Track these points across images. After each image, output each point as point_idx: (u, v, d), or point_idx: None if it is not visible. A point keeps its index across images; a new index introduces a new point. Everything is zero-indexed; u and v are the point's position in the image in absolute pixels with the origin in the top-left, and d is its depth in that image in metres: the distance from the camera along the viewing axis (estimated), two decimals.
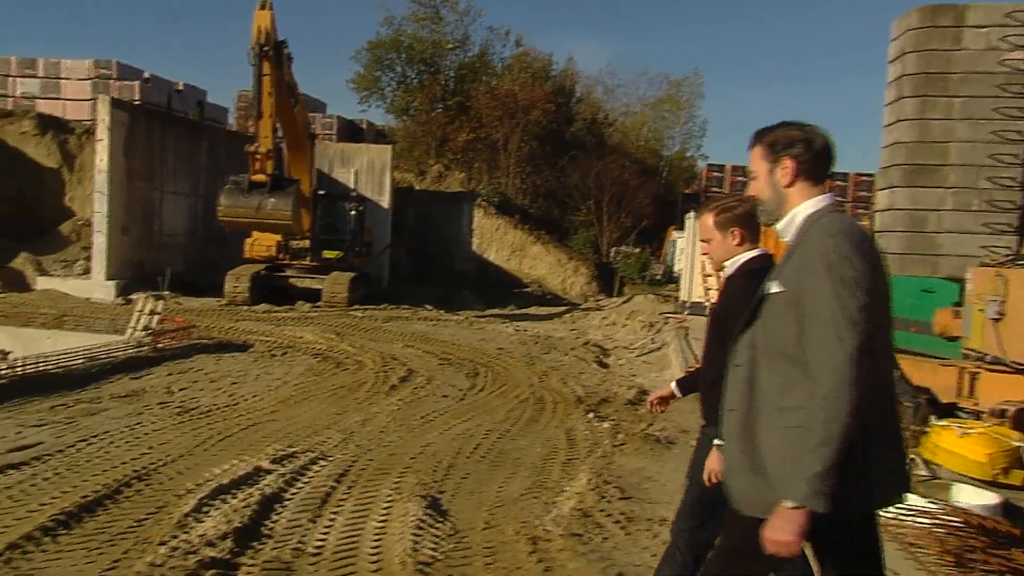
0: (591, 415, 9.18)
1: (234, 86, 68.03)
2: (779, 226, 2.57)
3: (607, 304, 25.55)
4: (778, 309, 2.42)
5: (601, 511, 5.48)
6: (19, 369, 9.44)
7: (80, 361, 10.43)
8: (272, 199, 18.29)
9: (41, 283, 20.29)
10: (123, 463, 6.42)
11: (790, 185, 2.51)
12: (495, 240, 29.47)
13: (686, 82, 45.41)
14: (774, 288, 2.44)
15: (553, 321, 21.14)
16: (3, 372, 9.23)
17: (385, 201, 26.55)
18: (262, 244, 20.71)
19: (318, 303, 19.96)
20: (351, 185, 26.21)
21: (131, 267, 20.91)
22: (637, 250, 32.30)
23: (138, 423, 7.78)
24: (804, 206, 2.49)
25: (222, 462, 6.54)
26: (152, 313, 12.16)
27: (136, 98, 26.75)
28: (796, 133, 2.53)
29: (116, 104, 21.02)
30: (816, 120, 2.56)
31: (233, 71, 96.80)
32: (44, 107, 27.30)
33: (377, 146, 29.69)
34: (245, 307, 19.12)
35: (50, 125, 23.67)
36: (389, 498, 5.87)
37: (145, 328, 12.02)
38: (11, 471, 6.07)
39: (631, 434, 7.84)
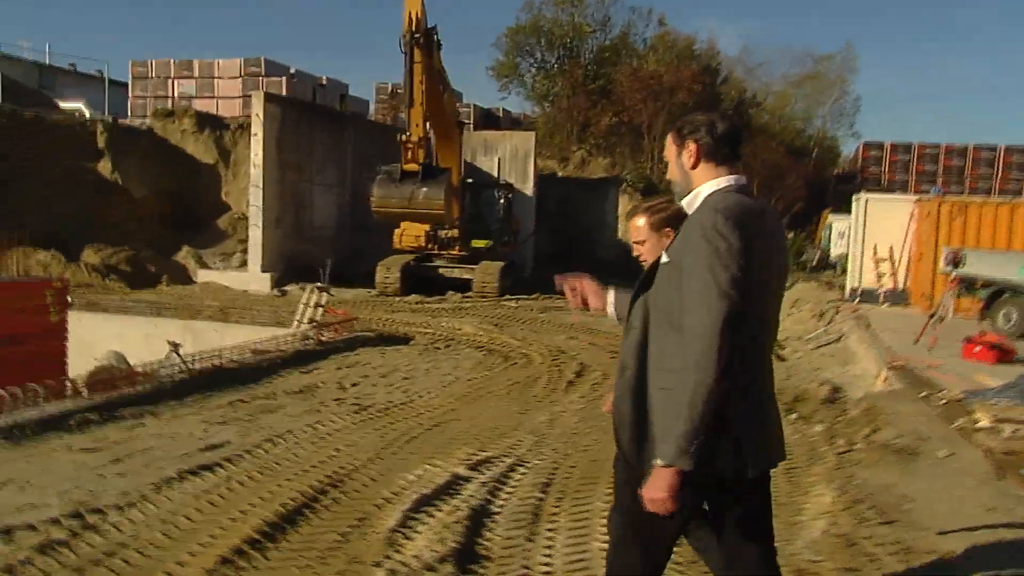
0: (793, 416, 8.29)
1: (374, 78, 69.35)
2: (685, 204, 2.71)
3: None
4: (665, 277, 2.56)
5: (866, 538, 4.66)
6: (195, 365, 9.34)
7: (250, 355, 10.31)
8: (424, 188, 18.03)
9: (202, 276, 20.81)
10: (313, 467, 6.04)
11: (694, 167, 2.67)
12: None
13: (836, 57, 42.93)
14: (664, 258, 2.59)
15: None
16: (182, 368, 9.15)
17: (529, 188, 26.05)
18: (411, 234, 20.55)
19: (468, 293, 19.65)
20: (494, 173, 25.84)
21: (284, 259, 21.17)
22: (790, 235, 30.59)
23: (318, 422, 7.45)
24: (706, 185, 2.64)
25: (414, 467, 6.07)
26: (317, 306, 11.99)
27: (283, 93, 27.22)
28: (701, 118, 2.70)
29: (269, 98, 21.32)
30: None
31: (373, 64, 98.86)
32: (200, 106, 28.18)
33: (520, 133, 29.24)
34: (396, 298, 19.01)
35: (207, 122, 24.32)
36: (604, 513, 5.23)
37: (311, 321, 11.87)
38: (206, 473, 5.78)
39: (858, 441, 6.93)
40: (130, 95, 31.19)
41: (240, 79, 30.50)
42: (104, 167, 21.90)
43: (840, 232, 31.86)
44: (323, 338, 11.67)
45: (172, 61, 31.63)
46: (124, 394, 8.00)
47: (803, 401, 9.20)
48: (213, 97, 30.40)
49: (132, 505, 5.11)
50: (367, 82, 70.52)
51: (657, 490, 2.42)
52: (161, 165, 22.97)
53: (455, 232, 20.86)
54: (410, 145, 17.97)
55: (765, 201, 3.00)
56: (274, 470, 5.94)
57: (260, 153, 20.67)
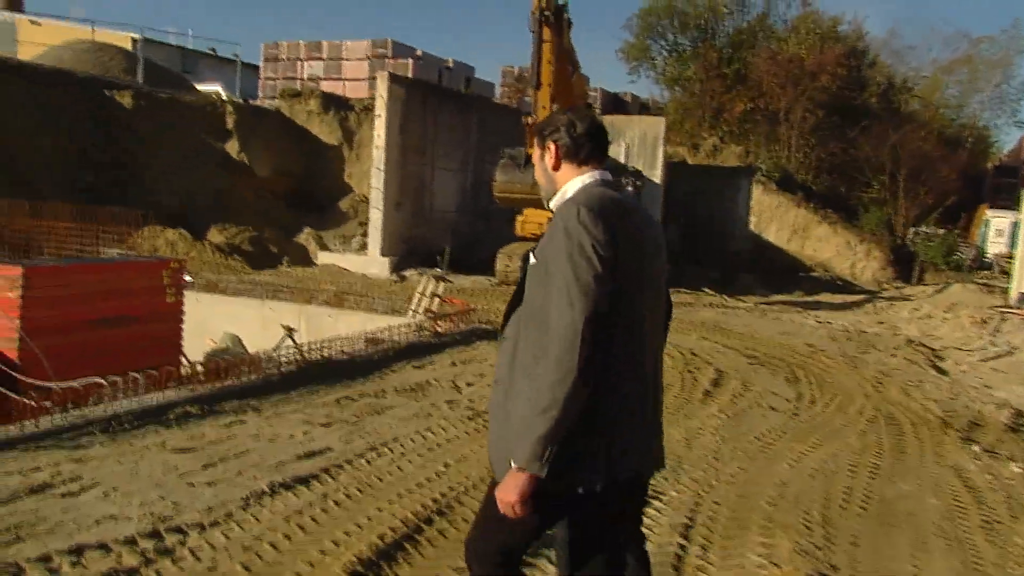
0: (975, 447, 7.09)
1: (501, 62, 69.05)
2: (552, 204, 2.62)
3: (913, 293, 22.33)
4: (533, 279, 2.44)
5: None
6: (307, 355, 8.86)
7: (362, 346, 9.78)
8: None
9: (322, 258, 20.70)
10: (419, 485, 5.34)
11: (556, 167, 2.62)
12: (775, 219, 26.89)
13: (999, 38, 39.54)
14: (532, 259, 2.48)
15: (854, 311, 18.51)
16: (293, 356, 8.68)
17: (657, 176, 24.88)
18: (534, 221, 19.81)
19: None
20: (621, 159, 24.78)
21: (403, 243, 20.83)
22: (941, 231, 28.29)
23: (428, 429, 6.76)
24: (571, 183, 2.58)
25: None
26: (434, 295, 11.38)
27: (409, 75, 26.94)
28: (561, 118, 2.64)
29: (394, 79, 20.97)
30: None
31: (499, 48, 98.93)
32: (327, 87, 28.27)
33: (649, 118, 28.06)
34: (515, 287, 18.32)
35: (332, 103, 24.26)
36: (762, 568, 4.32)
37: (427, 311, 11.27)
38: (301, 487, 5.16)
39: None
40: (261, 77, 31.69)
41: (367, 61, 30.52)
42: (232, 147, 22.08)
43: (999, 229, 29.32)
44: (439, 329, 11.05)
45: (302, 43, 31.97)
46: (228, 386, 7.54)
47: (982, 428, 7.99)
48: (340, 79, 30.53)
49: (216, 524, 4.52)
50: (493, 65, 70.28)
51: (508, 492, 2.31)
52: (286, 145, 23.04)
53: None
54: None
55: (633, 196, 2.68)
56: (375, 488, 5.27)
57: (383, 135, 20.35)
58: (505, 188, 17.59)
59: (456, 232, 23.45)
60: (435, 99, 23.09)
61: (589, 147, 2.61)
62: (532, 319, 2.41)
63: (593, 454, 2.36)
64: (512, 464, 2.31)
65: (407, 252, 20.63)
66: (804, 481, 5.89)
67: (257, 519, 4.63)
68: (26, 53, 31.80)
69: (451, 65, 33.59)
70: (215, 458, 5.67)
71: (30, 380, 7.03)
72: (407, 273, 19.54)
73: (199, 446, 5.95)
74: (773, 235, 27.00)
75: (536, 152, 2.71)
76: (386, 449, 6.09)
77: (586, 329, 2.23)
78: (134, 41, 38.22)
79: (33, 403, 6.49)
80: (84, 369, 9.17)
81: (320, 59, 31.39)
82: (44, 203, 16.48)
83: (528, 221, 20.01)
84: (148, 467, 5.43)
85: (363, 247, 21.08)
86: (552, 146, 2.62)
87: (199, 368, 8.05)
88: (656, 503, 5.22)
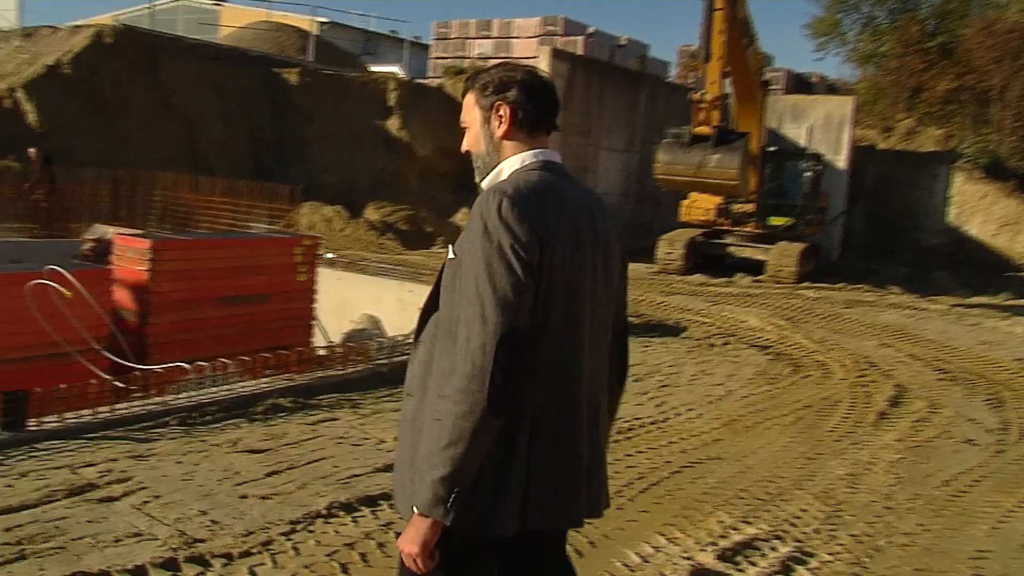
0: None
1: (679, 41, 66.81)
2: (484, 183, 2.13)
3: None
4: (448, 279, 2.00)
5: None
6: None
7: None
8: (716, 155, 15.77)
9: None
10: None
11: (506, 136, 2.10)
12: (979, 211, 23.91)
13: None
14: (450, 253, 2.03)
15: None
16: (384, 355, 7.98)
17: (841, 161, 22.73)
18: (700, 207, 18.46)
19: (760, 277, 17.24)
20: (802, 142, 22.79)
21: None
22: None
23: None
24: (511, 161, 2.09)
25: (642, 536, 4.27)
26: None
27: (579, 53, 25.94)
28: (512, 74, 2.13)
29: (556, 55, 20.07)
30: None
31: (677, 25, 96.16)
32: None
33: (836, 97, 25.76)
34: (677, 276, 17.08)
35: None
36: None
37: None
38: (363, 510, 4.37)
39: None
40: (431, 56, 31.69)
41: (537, 39, 29.82)
42: (393, 125, 21.93)
43: None
44: None
45: (472, 21, 31.69)
46: (328, 376, 6.90)
47: None
48: (509, 57, 29.95)
49: (247, 555, 3.79)
50: (671, 44, 68.04)
51: (410, 542, 1.92)
52: (447, 123, 22.63)
53: (750, 206, 18.47)
54: (703, 105, 15.76)
55: (579, 183, 2.17)
56: None
57: None
58: (667, 170, 16.28)
59: (620, 217, 22.34)
60: (601, 77, 22.00)
61: (548, 115, 2.14)
62: (445, 327, 1.99)
63: (510, 498, 1.94)
64: (415, 508, 1.92)
65: None
66: (1011, 555, 4.49)
67: (297, 551, 3.86)
68: (223, 37, 33.32)
69: (624, 43, 32.32)
70: (284, 464, 4.98)
71: (118, 360, 6.64)
72: None
73: (273, 447, 5.29)
74: (976, 228, 24.04)
75: (476, 113, 2.14)
76: None
77: (500, 351, 1.83)
78: (320, 24, 39.43)
79: (120, 384, 6.08)
80: (211, 347, 8.91)
81: (489, 37, 30.99)
82: (207, 178, 16.80)
83: (695, 206, 18.70)
84: (206, 471, 4.81)
85: None
86: (505, 109, 2.09)
87: (336, 349, 7.46)
88: (801, 567, 4.06)
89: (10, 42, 19.95)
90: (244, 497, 4.45)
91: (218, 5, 40.77)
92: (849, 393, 7.94)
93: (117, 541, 3.84)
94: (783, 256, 17.13)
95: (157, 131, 19.34)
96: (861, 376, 8.70)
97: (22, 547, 3.74)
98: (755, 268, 17.55)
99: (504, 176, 2.09)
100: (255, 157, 20.34)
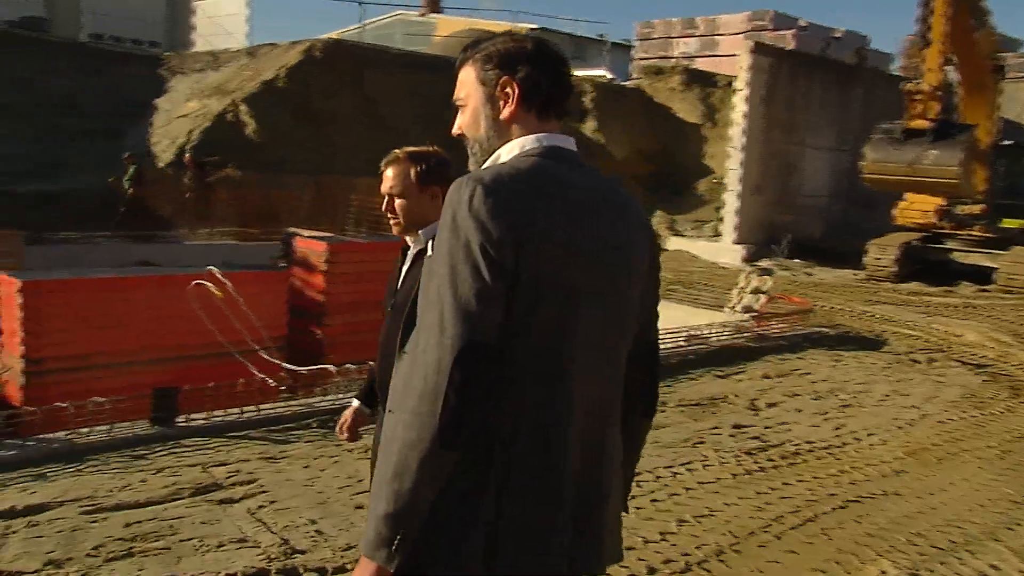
0: None
1: (904, 32, 62.14)
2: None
3: None
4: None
5: None
6: None
7: (662, 347, 8.46)
8: (934, 151, 14.28)
9: (672, 243, 19.50)
10: (631, 547, 3.98)
11: (511, 118, 1.77)
12: None
13: None
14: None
15: None
16: None
17: None
18: (917, 208, 16.79)
19: (988, 286, 15.43)
20: None
21: (762, 230, 18.87)
22: None
23: (687, 462, 5.34)
24: (510, 146, 1.76)
25: None
26: (757, 292, 9.68)
27: (789, 47, 24.58)
28: (520, 45, 1.78)
29: (758, 49, 19.01)
30: None
31: (903, 15, 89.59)
32: (700, 65, 26.90)
33: None
34: (888, 284, 15.63)
35: (696, 79, 22.88)
36: None
37: (747, 309, 9.61)
38: None
39: None
40: (633, 57, 31.25)
41: (744, 35, 28.62)
42: (588, 127, 21.70)
43: None
44: (762, 331, 9.35)
45: (678, 20, 30.95)
46: None
47: None
48: (714, 55, 29.02)
49: (340, 571, 3.63)
50: (894, 35, 63.40)
51: None
52: (645, 125, 22.17)
53: (979, 207, 16.59)
54: (919, 96, 14.32)
55: (597, 174, 1.80)
56: None
57: (744, 110, 18.54)
58: (876, 168, 14.94)
59: (828, 218, 20.88)
60: (808, 71, 20.64)
61: (560, 96, 1.81)
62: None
63: (472, 545, 1.62)
64: (361, 550, 1.65)
65: (766, 240, 18.66)
66: None
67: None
68: (437, 47, 34.55)
69: (840, 35, 30.40)
70: None
71: (275, 361, 6.80)
72: (764, 263, 17.63)
73: None
74: None
75: (477, 90, 1.80)
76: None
77: (456, 369, 1.54)
78: (529, 31, 40.00)
79: (272, 384, 6.20)
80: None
81: (694, 36, 30.13)
82: None
83: (911, 207, 17.05)
84: (330, 477, 4.74)
85: (716, 233, 19.51)
86: (514, 86, 1.76)
87: None
88: None
89: (237, 60, 21.61)
90: (359, 507, 4.32)
91: (429, 17, 42.42)
92: None
93: (220, 546, 3.81)
94: (1017, 263, 15.22)
95: (362, 139, 20.19)
96: None
97: (132, 544, 3.79)
98: (982, 276, 15.73)
99: (501, 162, 1.77)
100: (454, 161, 20.82)
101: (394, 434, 1.61)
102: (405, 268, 2.64)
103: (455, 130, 1.88)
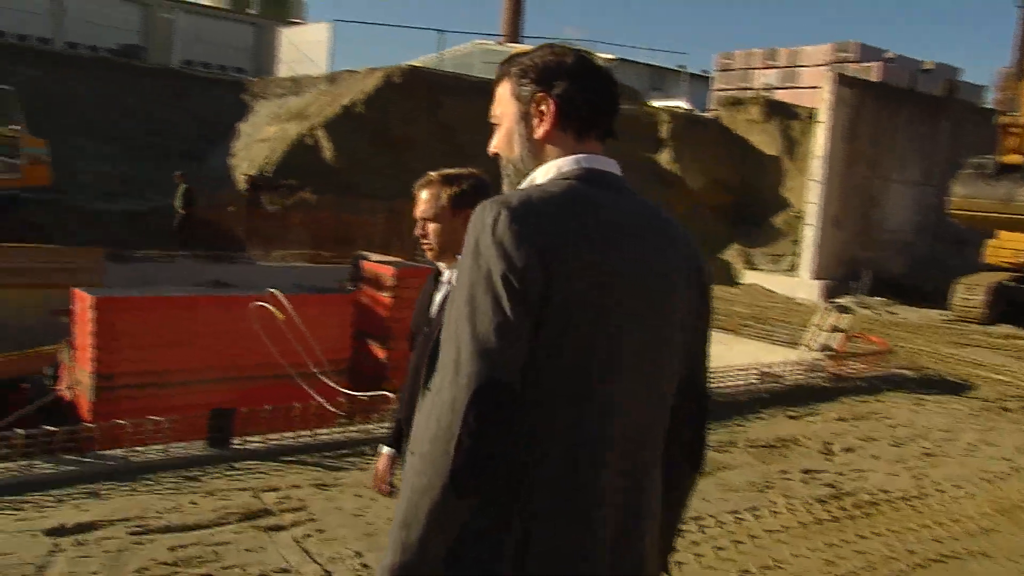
0: None
1: (999, 63, 60.27)
2: None
3: None
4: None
5: None
6: None
7: (730, 383, 8.18)
8: None
9: (747, 277, 19.07)
10: None
11: (548, 137, 1.63)
12: None
13: None
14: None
15: None
16: None
17: None
18: (1010, 247, 16.02)
19: None
20: None
21: (841, 266, 18.30)
22: None
23: (754, 508, 5.07)
24: (545, 168, 1.62)
25: None
26: (834, 329, 9.30)
27: (875, 79, 23.99)
28: (564, 59, 1.65)
29: (841, 81, 18.56)
30: None
31: (997, 48, 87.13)
32: (781, 97, 26.46)
33: None
34: (977, 326, 14.92)
35: (776, 111, 22.43)
36: None
37: (823, 348, 9.23)
38: None
39: None
40: (712, 88, 30.91)
41: (827, 67, 28.07)
42: (664, 158, 21.46)
43: None
44: (839, 371, 8.96)
45: (758, 51, 30.56)
46: None
47: None
48: (796, 87, 28.52)
49: None
50: (988, 68, 61.47)
51: None
52: (722, 156, 21.81)
53: None
54: (1015, 130, 13.75)
55: (644, 202, 1.65)
56: None
57: (825, 144, 18.08)
58: (966, 204, 14.35)
59: (913, 255, 20.13)
60: (894, 103, 20.04)
61: (604, 115, 1.66)
62: None
63: None
64: None
65: (846, 276, 18.08)
66: None
67: None
68: None
69: (930, 67, 29.55)
70: None
71: (334, 385, 6.74)
72: (843, 300, 17.06)
73: None
74: None
75: (511, 106, 1.67)
76: (693, 531, 4.57)
77: (472, 410, 1.41)
78: (608, 61, 40.06)
79: (330, 408, 6.15)
80: None
81: (775, 67, 29.68)
82: None
83: (1003, 246, 16.28)
84: (381, 507, 4.61)
85: (793, 268, 18.99)
86: (548, 103, 1.63)
87: None
88: None
89: (317, 86, 22.07)
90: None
91: (508, 46, 42.78)
92: None
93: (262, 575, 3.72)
94: None
95: (439, 166, 20.17)
96: None
97: (175, 569, 3.73)
98: None
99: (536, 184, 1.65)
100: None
101: (406, 478, 1.51)
102: (440, 295, 2.52)
103: (490, 150, 1.75)
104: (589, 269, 1.50)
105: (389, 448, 2.72)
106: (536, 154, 1.66)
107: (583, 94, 1.64)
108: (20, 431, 4.89)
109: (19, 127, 15.43)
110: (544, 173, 1.63)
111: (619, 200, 1.60)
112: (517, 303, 1.44)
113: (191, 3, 34.65)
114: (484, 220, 1.49)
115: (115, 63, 24.66)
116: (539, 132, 1.65)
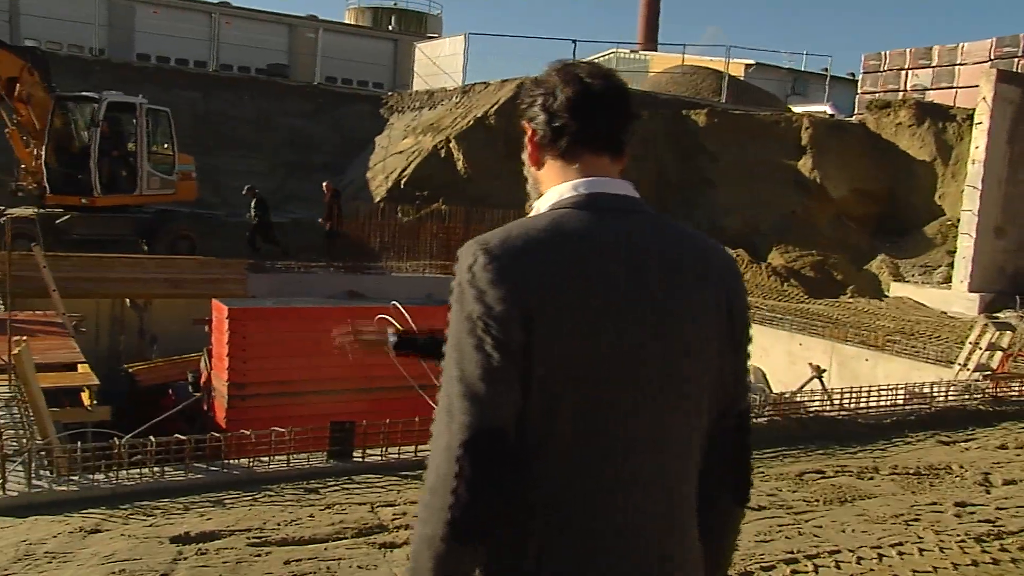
0: None
1: None
2: None
3: None
4: None
5: None
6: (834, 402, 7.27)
7: (875, 405, 7.66)
8: None
9: (895, 289, 17.99)
10: None
11: (536, 163, 1.61)
12: None
13: None
14: None
15: None
16: (767, 412, 7.12)
17: None
18: None
19: None
20: None
21: (1003, 278, 16.99)
22: None
23: (899, 543, 4.66)
24: (546, 197, 1.58)
25: None
26: (993, 348, 8.57)
27: None
28: (546, 81, 1.58)
29: (1003, 78, 17.26)
30: None
31: None
32: (934, 97, 24.96)
33: None
34: None
35: (927, 113, 21.13)
36: None
37: (980, 367, 8.53)
38: None
39: None
40: (859, 90, 29.50)
41: (989, 63, 26.29)
42: (805, 165, 20.58)
43: None
44: (999, 394, 8.25)
45: (910, 50, 28.96)
46: None
47: None
48: (951, 87, 26.80)
49: None
50: None
51: None
52: (867, 162, 20.71)
53: None
54: None
55: (666, 224, 1.57)
56: None
57: (983, 147, 16.85)
58: None
59: None
60: None
61: (573, 130, 1.54)
62: None
63: None
64: None
65: (1007, 290, 16.78)
66: None
67: None
68: (649, 83, 34.43)
69: None
70: None
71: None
72: (1005, 315, 15.84)
73: None
74: None
75: (527, 139, 1.63)
76: (808, 564, 4.25)
77: (466, 458, 1.36)
78: (747, 67, 39.04)
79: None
80: None
81: (928, 67, 28.00)
82: None
83: None
84: None
85: (947, 280, 17.79)
86: (527, 129, 1.61)
87: None
88: None
89: (451, 99, 22.41)
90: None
91: (644, 54, 42.33)
92: None
93: None
94: None
95: None
96: None
97: None
98: None
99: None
100: (660, 198, 20.37)
101: (413, 529, 1.50)
102: None
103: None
104: (578, 315, 1.44)
105: (395, 338, 2.59)
106: (535, 184, 1.64)
107: (555, 113, 1.55)
108: (153, 439, 5.06)
109: (171, 145, 16.35)
110: (546, 203, 1.57)
111: (620, 227, 1.51)
112: (501, 348, 1.40)
113: (334, 22, 36.05)
114: (463, 262, 1.46)
115: (262, 82, 25.86)
116: (525, 160, 1.64)
